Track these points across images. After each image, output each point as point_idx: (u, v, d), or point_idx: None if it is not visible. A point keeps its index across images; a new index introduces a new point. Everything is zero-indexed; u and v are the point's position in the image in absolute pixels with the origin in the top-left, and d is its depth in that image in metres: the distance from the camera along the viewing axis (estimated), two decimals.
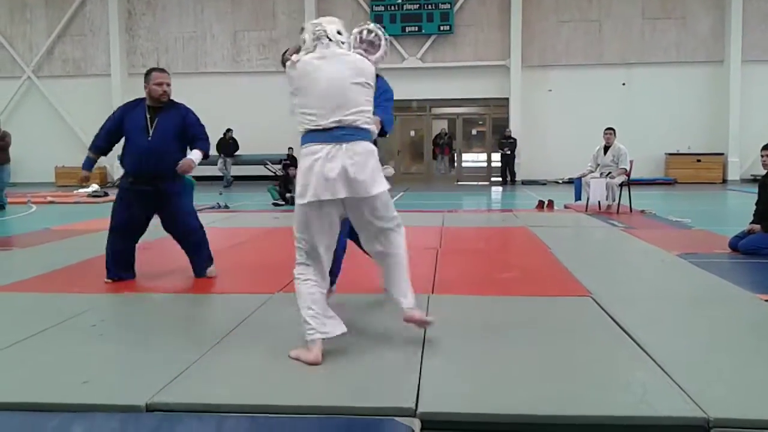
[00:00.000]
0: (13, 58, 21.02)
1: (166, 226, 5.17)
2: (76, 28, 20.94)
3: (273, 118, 19.83)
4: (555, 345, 3.38)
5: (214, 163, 18.82)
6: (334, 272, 4.25)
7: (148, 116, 4.90)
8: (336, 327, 3.23)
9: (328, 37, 3.26)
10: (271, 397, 2.74)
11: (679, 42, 19.18)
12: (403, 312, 3.38)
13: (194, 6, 20.57)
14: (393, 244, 3.36)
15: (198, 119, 5.12)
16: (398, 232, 3.37)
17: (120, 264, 5.05)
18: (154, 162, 4.83)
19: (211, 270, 5.24)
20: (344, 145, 3.10)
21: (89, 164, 5.02)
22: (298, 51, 3.41)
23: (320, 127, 3.12)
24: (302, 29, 3.40)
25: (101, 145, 5.00)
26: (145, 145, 4.83)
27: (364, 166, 3.11)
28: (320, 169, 3.07)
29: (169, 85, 4.96)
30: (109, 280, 4.98)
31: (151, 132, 4.87)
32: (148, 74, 5.00)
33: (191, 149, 5.04)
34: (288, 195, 13.03)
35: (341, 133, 3.11)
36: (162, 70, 5.07)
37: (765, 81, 18.76)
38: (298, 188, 3.17)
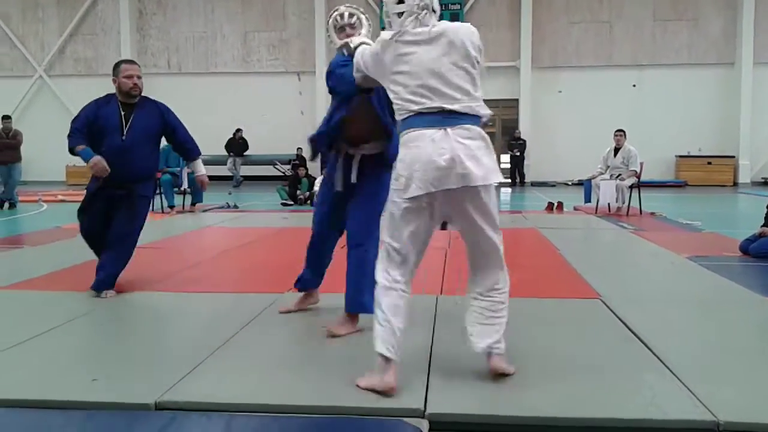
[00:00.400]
0: (25, 57, 21.15)
1: (110, 224, 4.55)
2: (87, 28, 21.06)
3: (283, 119, 19.95)
4: (564, 347, 3.37)
5: (224, 163, 18.89)
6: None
7: (122, 114, 4.47)
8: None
9: (432, 9, 2.91)
10: (279, 396, 2.74)
11: (691, 44, 19.08)
12: (492, 358, 2.88)
13: (205, 6, 20.63)
14: (502, 275, 2.91)
15: (179, 120, 4.73)
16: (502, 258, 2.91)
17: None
18: (129, 163, 4.42)
19: (108, 293, 4.49)
20: (450, 130, 2.71)
21: (90, 152, 4.37)
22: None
23: (425, 111, 2.73)
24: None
25: (86, 140, 4.41)
26: (119, 144, 4.40)
27: (475, 152, 2.73)
28: (427, 158, 2.67)
29: (140, 77, 4.53)
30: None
31: (125, 131, 4.44)
32: (116, 67, 4.57)
33: (186, 159, 4.77)
34: (298, 195, 13.06)
35: (447, 117, 2.72)
36: (132, 62, 4.69)
37: None
38: (397, 182, 2.76)
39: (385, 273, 2.84)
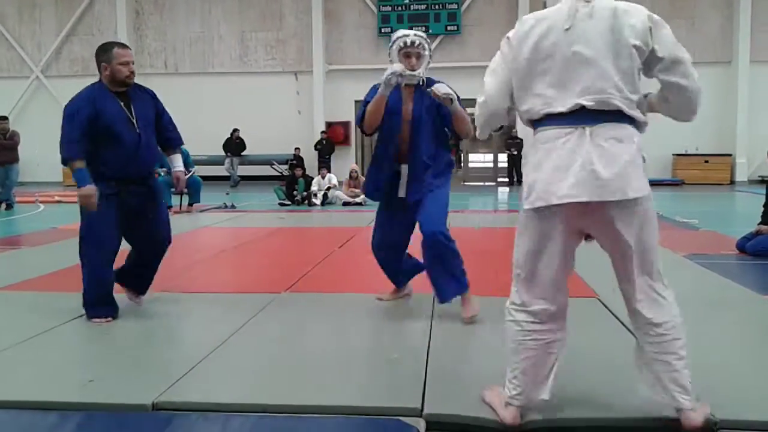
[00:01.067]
0: (21, 58, 21.11)
1: (138, 234, 4.12)
2: (84, 28, 21.02)
3: (280, 118, 19.95)
4: None
5: (221, 163, 18.88)
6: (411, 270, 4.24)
7: (122, 105, 3.97)
8: (542, 391, 2.47)
9: None
10: (276, 396, 2.74)
11: (688, 42, 18.63)
12: (682, 414, 2.41)
13: (202, 6, 20.61)
14: (664, 307, 2.48)
15: (166, 109, 4.29)
16: (665, 285, 2.53)
17: (109, 298, 4.02)
18: (146, 157, 4.02)
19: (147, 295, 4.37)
20: (588, 130, 2.29)
21: (87, 177, 3.79)
22: None
23: (558, 111, 2.34)
24: None
25: (85, 149, 3.84)
26: (135, 139, 3.92)
27: (615, 157, 2.26)
28: (555, 162, 2.29)
29: (133, 63, 4.07)
30: (101, 320, 3.91)
31: (135, 123, 3.96)
32: (106, 51, 4.02)
33: (165, 151, 4.29)
34: (295, 195, 13.05)
35: (585, 117, 2.31)
36: (125, 46, 4.15)
37: None
38: (524, 188, 2.42)
39: (514, 306, 2.49)
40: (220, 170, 18.72)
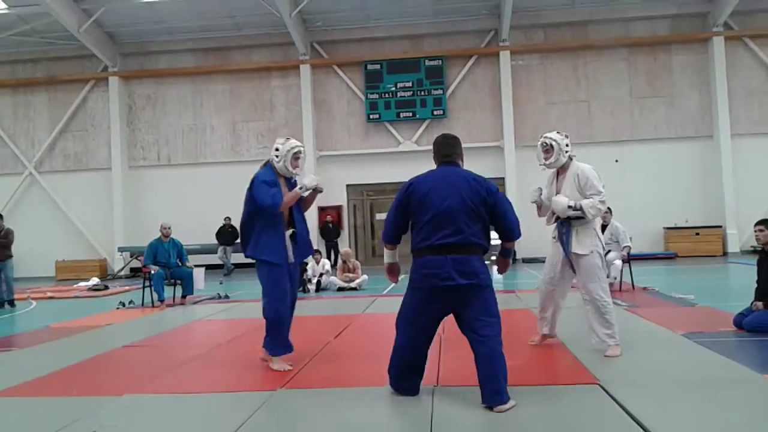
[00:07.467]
0: (15, 155, 21.39)
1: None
2: (77, 124, 21.40)
3: None
4: None
5: (215, 251, 18.88)
6: None
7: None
8: None
9: None
10: None
11: (669, 119, 19.61)
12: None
13: (193, 99, 21.10)
14: None
15: None
16: None
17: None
18: None
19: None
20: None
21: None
22: None
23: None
24: None
25: None
26: None
27: None
28: None
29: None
30: None
31: None
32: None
33: None
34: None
35: None
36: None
37: (755, 153, 19.07)
38: None
39: None
40: (214, 258, 18.70)
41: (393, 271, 4.43)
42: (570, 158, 5.52)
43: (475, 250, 4.05)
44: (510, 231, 4.26)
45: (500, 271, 4.58)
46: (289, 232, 5.37)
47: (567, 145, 5.48)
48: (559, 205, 5.32)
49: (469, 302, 4.00)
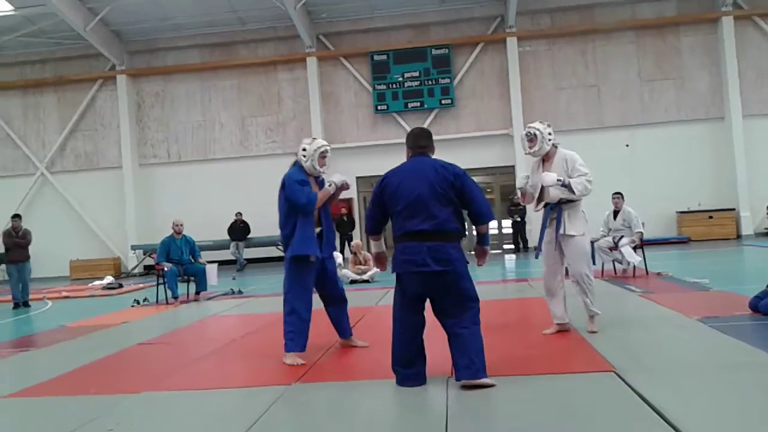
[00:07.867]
0: (27, 156, 21.52)
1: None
2: (87, 124, 21.49)
3: None
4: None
5: (227, 247, 18.93)
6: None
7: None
8: None
9: None
10: None
11: (679, 101, 19.41)
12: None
13: (202, 95, 21.12)
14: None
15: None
16: None
17: None
18: None
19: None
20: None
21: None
22: None
23: None
24: None
25: None
26: None
27: None
28: None
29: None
30: None
31: None
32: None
33: None
34: None
35: None
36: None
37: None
38: None
39: None
40: (226, 254, 18.76)
41: (380, 259, 4.79)
42: (554, 146, 5.80)
43: (450, 237, 4.21)
44: (479, 214, 4.34)
45: (479, 263, 4.50)
46: (317, 230, 5.45)
47: (550, 134, 5.76)
48: (548, 177, 5.59)
49: (443, 288, 4.17)
